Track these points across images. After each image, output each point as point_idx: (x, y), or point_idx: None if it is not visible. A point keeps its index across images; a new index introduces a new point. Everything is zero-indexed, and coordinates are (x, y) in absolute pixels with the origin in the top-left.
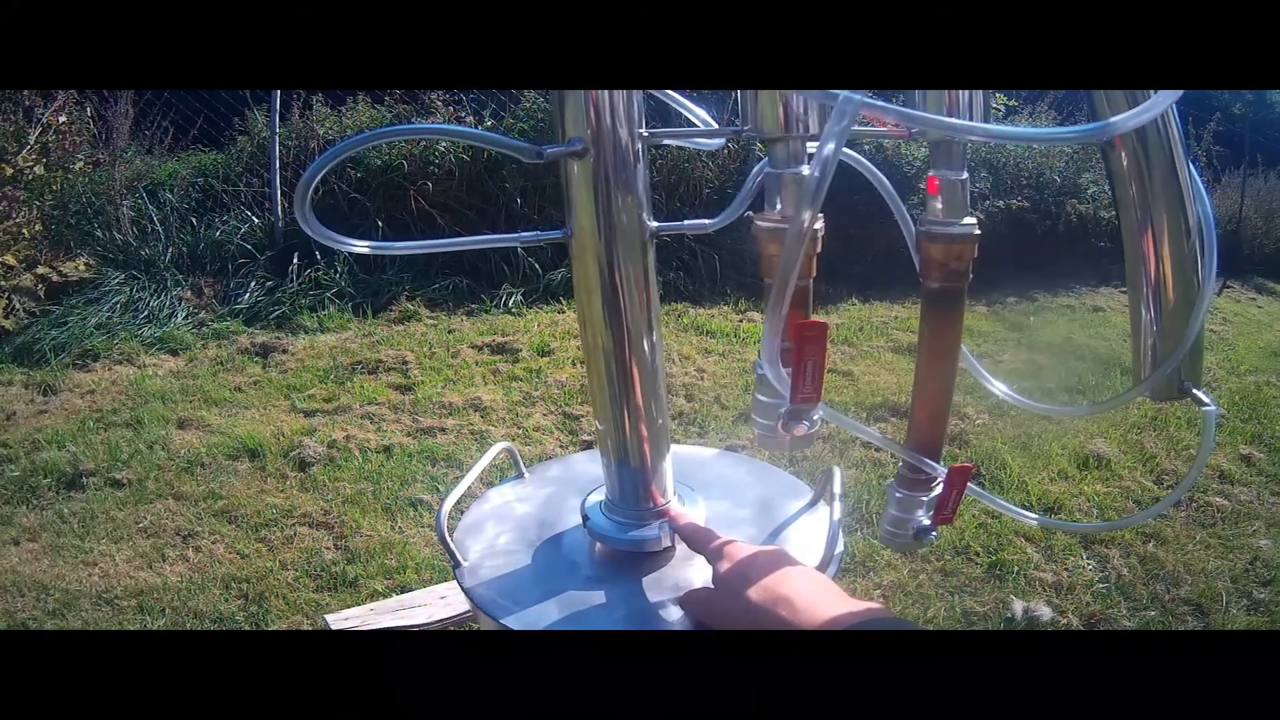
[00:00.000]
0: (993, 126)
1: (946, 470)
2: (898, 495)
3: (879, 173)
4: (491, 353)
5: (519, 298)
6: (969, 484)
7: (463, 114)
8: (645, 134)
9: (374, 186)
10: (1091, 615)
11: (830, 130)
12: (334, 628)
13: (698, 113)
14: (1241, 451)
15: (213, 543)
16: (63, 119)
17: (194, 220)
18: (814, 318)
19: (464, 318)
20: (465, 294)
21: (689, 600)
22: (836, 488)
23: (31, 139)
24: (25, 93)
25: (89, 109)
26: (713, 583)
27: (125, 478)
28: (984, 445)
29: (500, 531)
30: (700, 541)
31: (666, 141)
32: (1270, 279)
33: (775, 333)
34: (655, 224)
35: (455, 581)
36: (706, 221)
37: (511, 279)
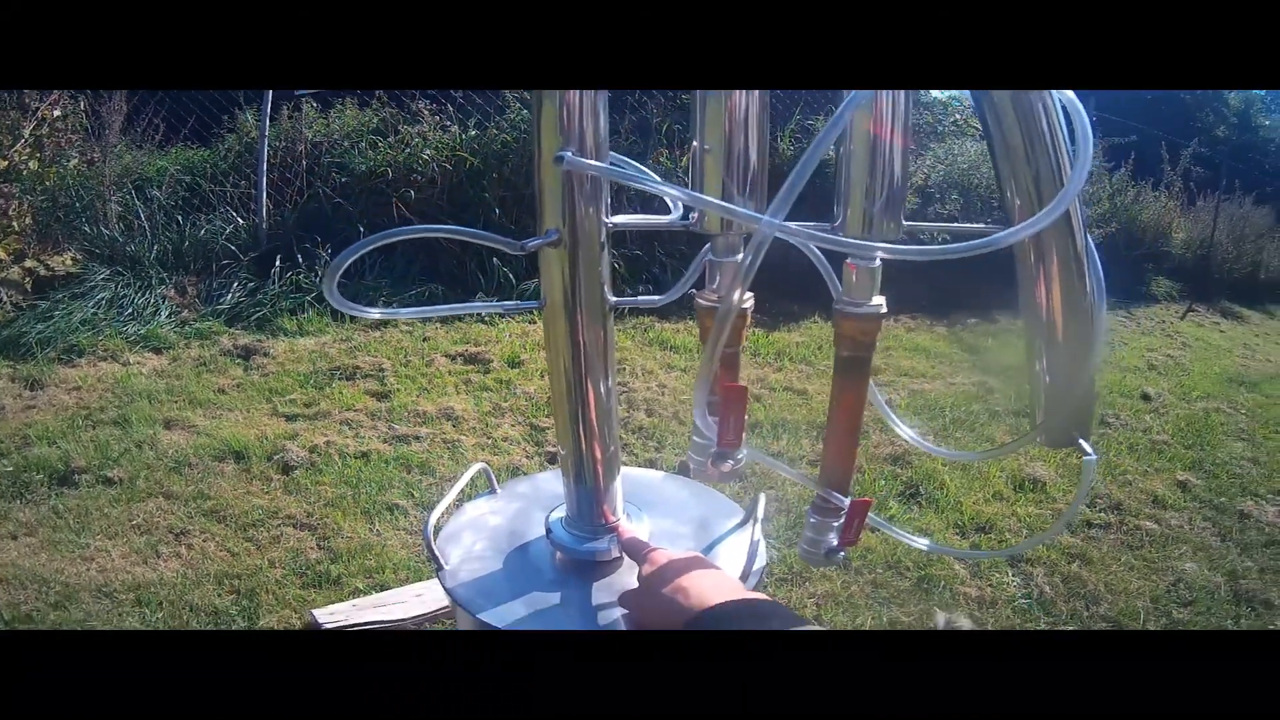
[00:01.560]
0: (893, 246)
1: (849, 501)
2: (812, 520)
3: (816, 252)
4: (464, 362)
5: (499, 315)
6: (868, 514)
7: (447, 122)
8: (611, 223)
9: (358, 192)
10: (1011, 629)
11: (752, 248)
12: (321, 622)
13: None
14: (1179, 477)
15: (204, 540)
16: (57, 113)
17: (180, 218)
18: (738, 381)
19: (439, 325)
20: (440, 301)
21: (622, 599)
22: (760, 511)
23: (26, 132)
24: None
25: (83, 103)
26: (637, 582)
27: (116, 476)
28: (925, 466)
29: (476, 540)
30: (635, 551)
31: (630, 225)
32: (1237, 303)
33: (704, 389)
34: (614, 298)
35: (433, 581)
36: (657, 298)
37: (486, 288)
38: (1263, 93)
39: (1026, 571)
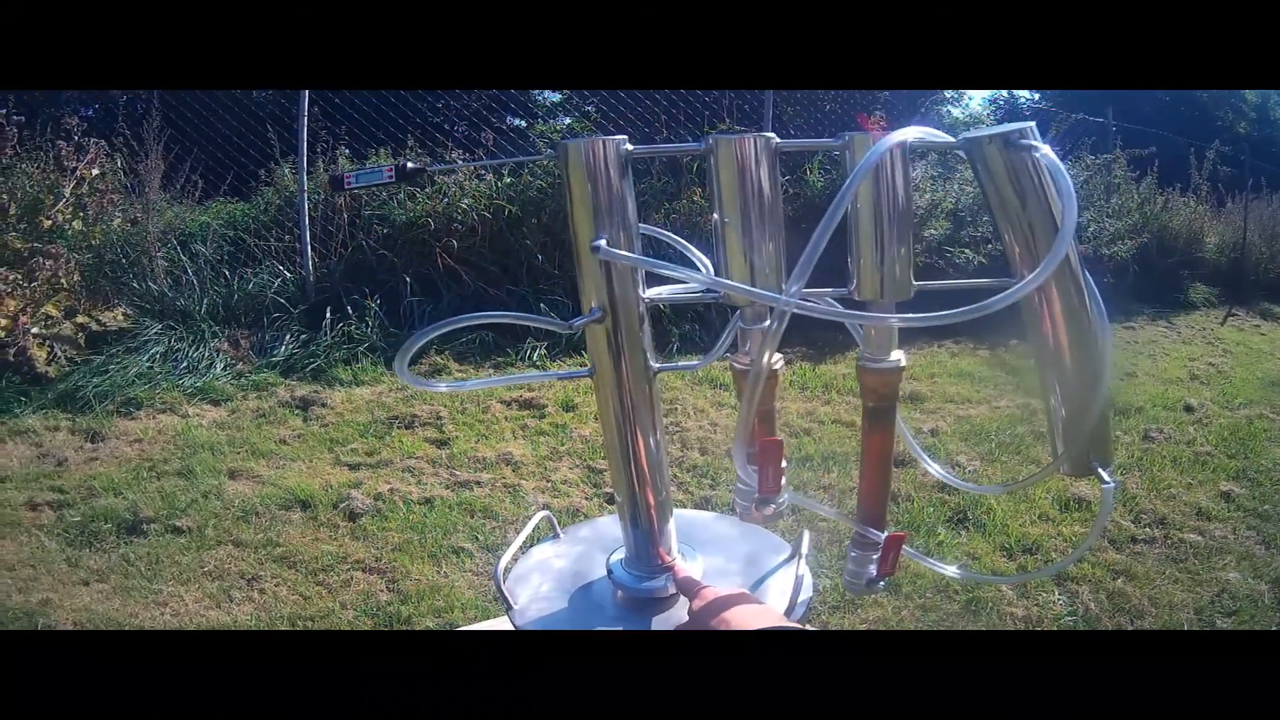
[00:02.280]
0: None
1: (885, 536)
2: (853, 554)
3: (842, 312)
4: (520, 408)
5: (543, 351)
6: (903, 547)
7: (484, 171)
8: (647, 298)
9: (400, 243)
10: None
11: (775, 319)
12: None
13: (700, 257)
14: (1222, 488)
15: (275, 585)
16: (95, 171)
17: (226, 272)
18: (774, 435)
19: (491, 371)
20: (492, 348)
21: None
22: (804, 548)
23: (66, 191)
24: (59, 144)
25: (120, 160)
26: (688, 616)
27: (185, 525)
28: (972, 492)
29: (543, 581)
30: (687, 588)
31: (664, 299)
32: (1276, 303)
33: (742, 445)
34: (657, 365)
35: (501, 619)
36: (695, 362)
37: (535, 333)
38: None
39: (1072, 590)
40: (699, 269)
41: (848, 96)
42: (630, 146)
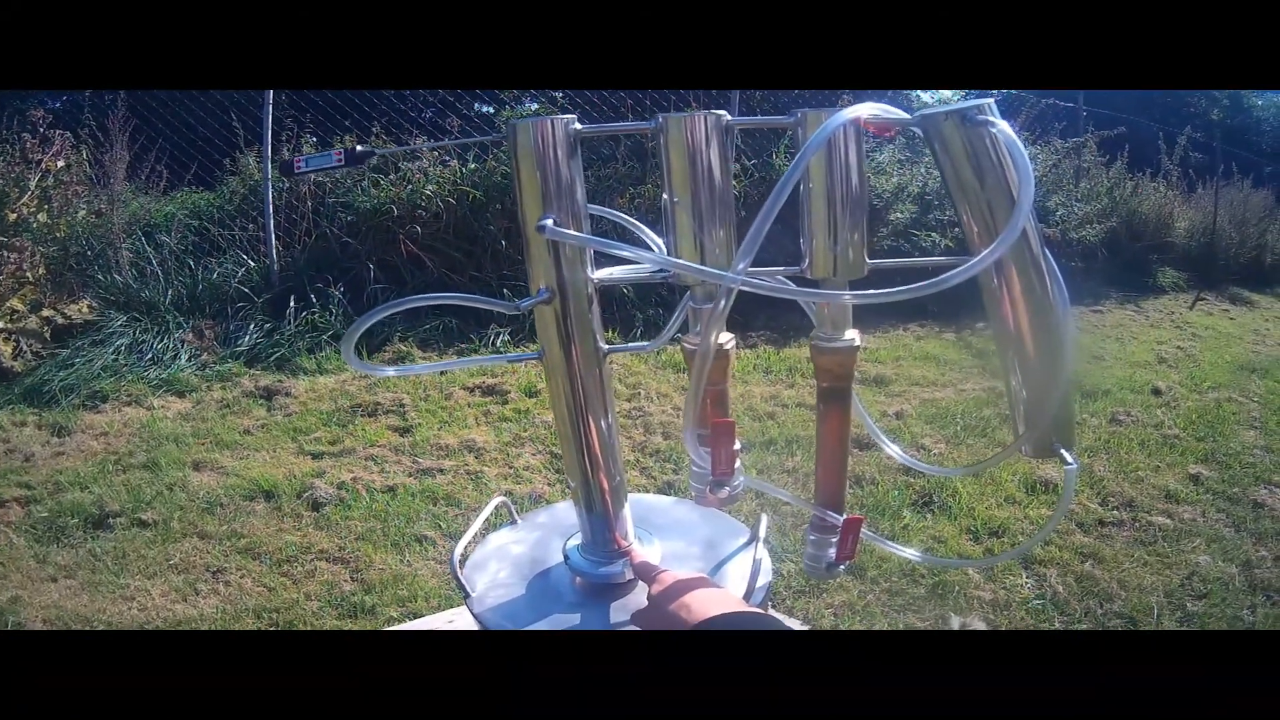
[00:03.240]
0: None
1: (843, 519)
2: (811, 538)
3: (793, 288)
4: (483, 394)
5: (506, 337)
6: (862, 530)
7: (448, 157)
8: (597, 280)
9: (365, 230)
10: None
11: (721, 297)
12: None
13: (653, 238)
14: (1190, 471)
15: (241, 577)
16: (60, 163)
17: (191, 263)
18: (727, 416)
19: (455, 358)
20: (455, 334)
21: (634, 618)
22: (762, 532)
23: (32, 184)
24: (24, 136)
25: (85, 152)
26: (647, 601)
27: (150, 518)
28: (931, 474)
29: (500, 568)
30: (644, 573)
31: (613, 280)
32: (1245, 288)
33: (690, 425)
34: (606, 346)
35: (463, 607)
36: (646, 344)
37: (499, 319)
38: None
39: (1040, 573)
40: (649, 249)
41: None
42: (579, 126)
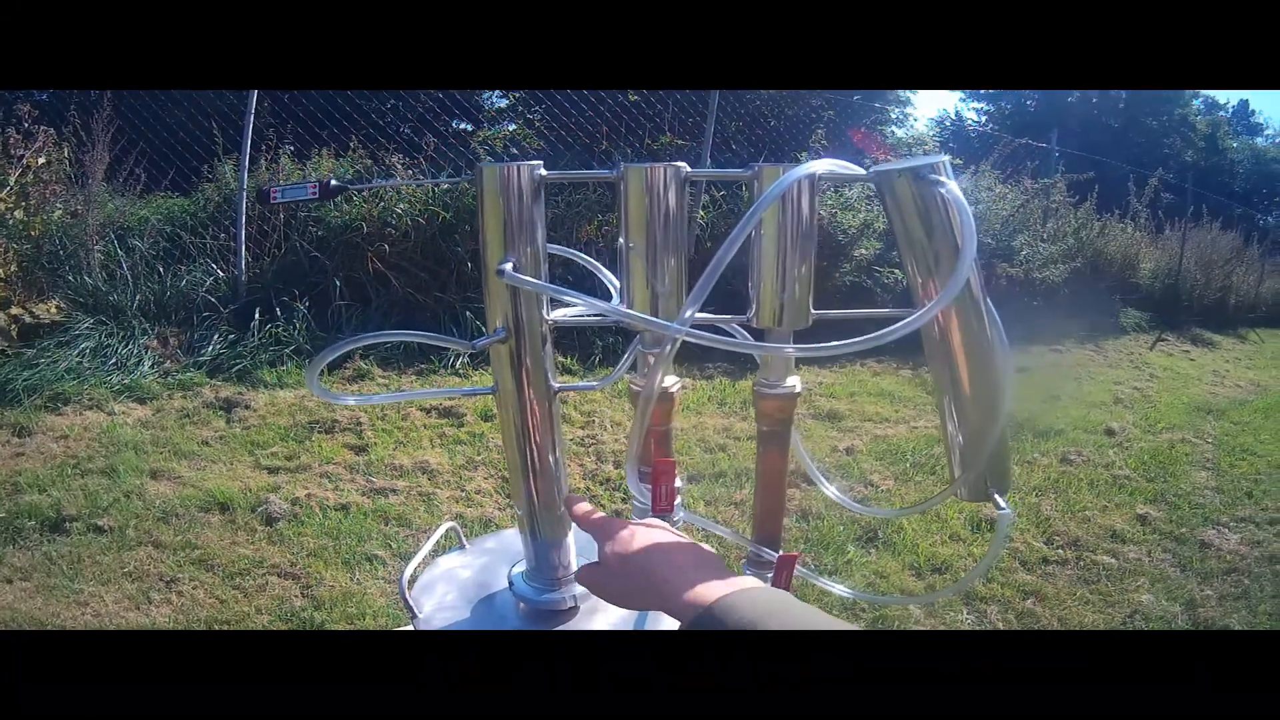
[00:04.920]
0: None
1: (778, 556)
2: (747, 572)
3: (736, 340)
4: (439, 416)
5: (465, 360)
6: (796, 566)
7: (420, 174)
8: (551, 321)
9: (334, 245)
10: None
11: (662, 355)
12: None
13: (610, 279)
14: (1139, 511)
15: (193, 588)
16: (42, 160)
17: (161, 269)
18: (670, 456)
19: (414, 378)
20: (415, 354)
21: (583, 576)
22: None
23: (11, 180)
24: (8, 131)
25: (67, 150)
26: (600, 559)
27: (107, 524)
28: (864, 515)
29: (448, 591)
30: (589, 524)
31: (567, 321)
32: (1207, 329)
33: (633, 463)
34: (557, 384)
35: (410, 628)
36: (595, 384)
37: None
38: (1229, 114)
39: (980, 610)
40: (608, 288)
41: (792, 115)
42: (544, 172)
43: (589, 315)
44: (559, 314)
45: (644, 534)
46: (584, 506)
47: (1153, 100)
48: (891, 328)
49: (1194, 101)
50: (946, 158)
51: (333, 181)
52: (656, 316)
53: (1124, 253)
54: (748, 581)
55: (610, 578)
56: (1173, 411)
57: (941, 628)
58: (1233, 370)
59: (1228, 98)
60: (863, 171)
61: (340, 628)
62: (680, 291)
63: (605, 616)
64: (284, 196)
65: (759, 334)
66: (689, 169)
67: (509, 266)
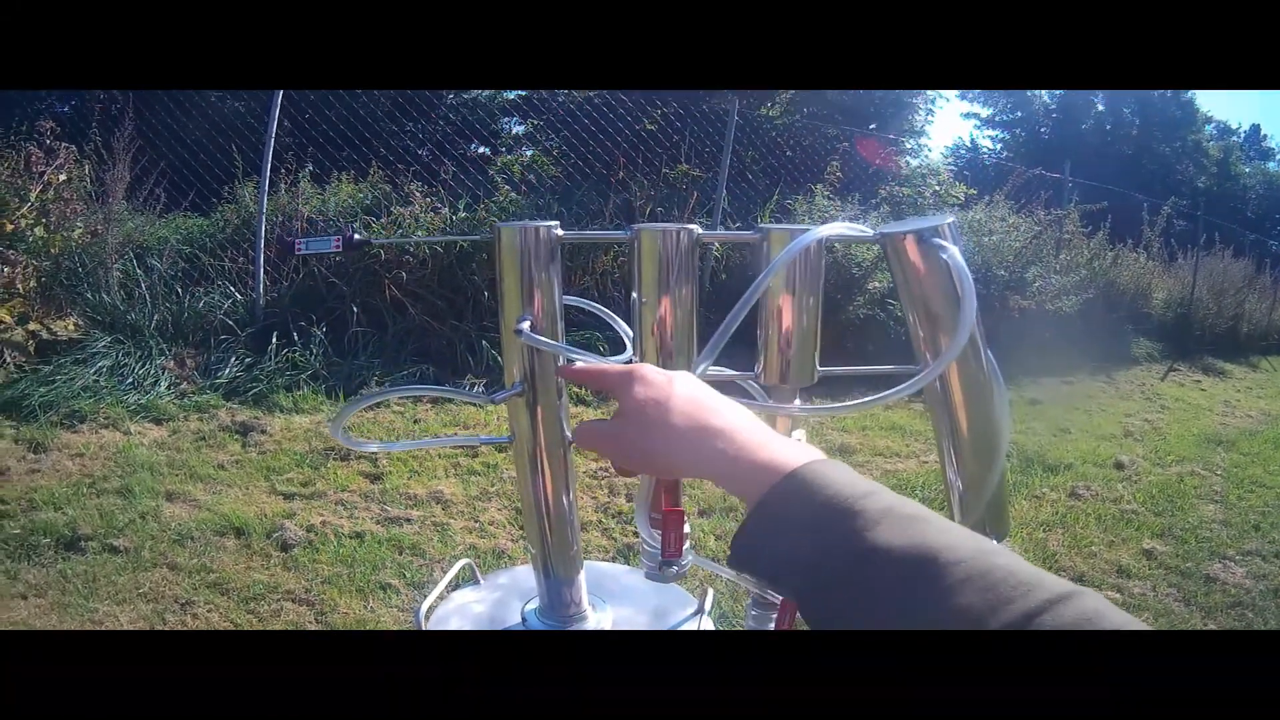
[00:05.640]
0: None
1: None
2: (752, 613)
3: (755, 390)
4: (453, 446)
5: (480, 388)
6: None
7: (438, 204)
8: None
9: (352, 271)
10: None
11: None
12: None
13: (624, 329)
14: (1145, 546)
15: (208, 611)
16: (62, 178)
17: (179, 289)
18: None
19: (429, 406)
20: (431, 382)
21: (587, 434)
22: (708, 604)
23: (32, 196)
24: (29, 149)
25: (87, 168)
26: (623, 413)
27: (122, 545)
28: None
29: (461, 625)
30: (597, 376)
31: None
32: (1219, 358)
33: (643, 511)
34: (572, 435)
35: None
36: None
37: (475, 370)
38: (1241, 139)
39: None
40: (624, 343)
41: (809, 145)
42: (560, 232)
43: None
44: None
45: (685, 378)
46: (584, 364)
47: (1165, 126)
48: (892, 390)
49: (1206, 127)
50: (951, 219)
51: (355, 235)
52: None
53: (1136, 282)
54: (818, 450)
55: (639, 429)
56: (1183, 443)
57: None
58: (1243, 400)
59: (1239, 122)
60: (870, 233)
61: None
62: (691, 348)
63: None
64: (308, 249)
65: (765, 390)
66: (700, 231)
67: (526, 326)
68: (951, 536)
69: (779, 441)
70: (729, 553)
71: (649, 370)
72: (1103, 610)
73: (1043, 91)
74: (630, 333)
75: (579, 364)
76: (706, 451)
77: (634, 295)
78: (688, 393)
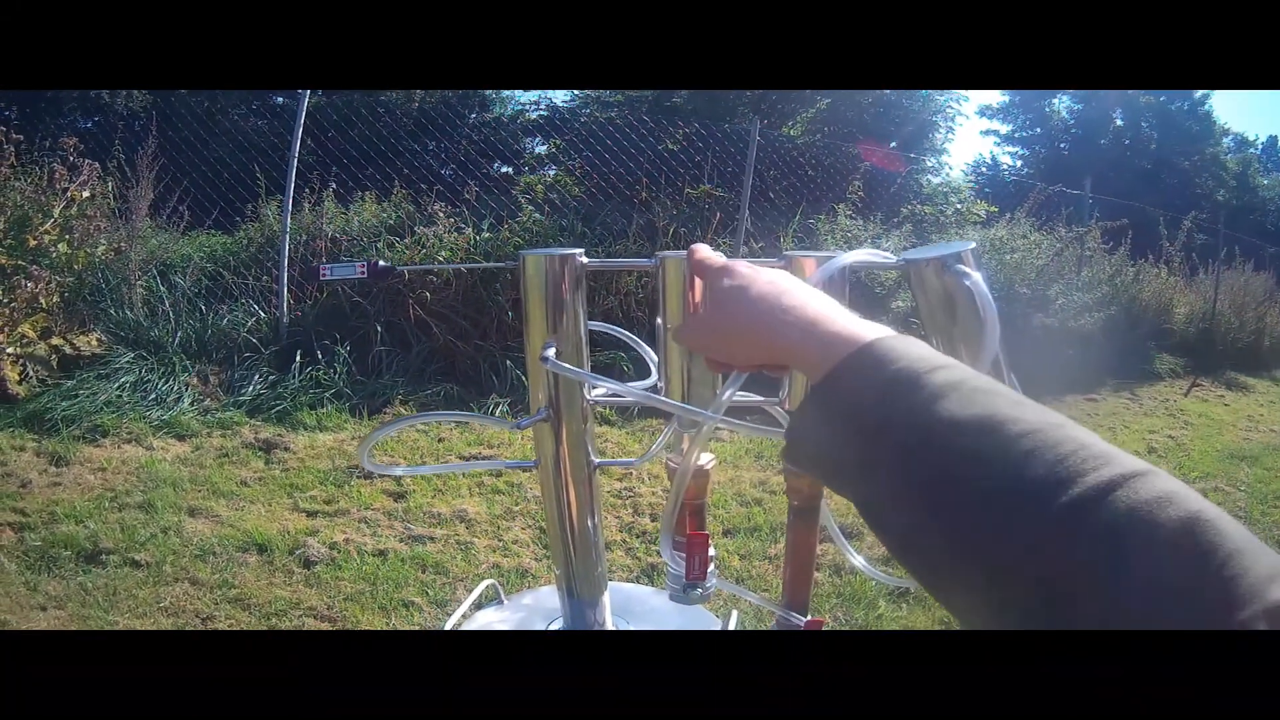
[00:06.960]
0: None
1: (806, 620)
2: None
3: (762, 429)
4: (478, 469)
5: (505, 408)
6: (822, 629)
7: (462, 224)
8: (591, 400)
9: (375, 291)
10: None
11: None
12: None
13: (650, 354)
14: None
15: (229, 626)
16: (86, 194)
17: (202, 307)
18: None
19: (453, 427)
20: (456, 401)
21: (682, 331)
22: (733, 624)
23: (56, 212)
24: (54, 165)
25: (111, 184)
26: (711, 301)
27: (143, 559)
28: (888, 583)
29: None
30: (698, 264)
31: (607, 400)
32: (1241, 372)
33: (668, 533)
34: (596, 459)
35: None
36: (634, 460)
37: (500, 389)
38: (1259, 151)
39: None
40: (647, 365)
41: (830, 164)
42: (585, 260)
43: (629, 395)
44: (599, 393)
45: (773, 271)
46: (700, 252)
47: (1183, 139)
48: None
49: (1224, 139)
50: (973, 245)
51: (380, 263)
52: (691, 398)
53: (1158, 298)
54: (878, 331)
55: (722, 315)
56: (1206, 459)
57: None
58: (1266, 414)
59: (1257, 134)
60: (893, 259)
61: None
62: (715, 374)
63: None
64: (332, 275)
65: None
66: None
67: (552, 353)
68: (1023, 409)
69: (855, 320)
70: (787, 427)
71: (740, 264)
72: (1178, 490)
73: (1061, 108)
74: (655, 357)
75: (703, 251)
76: (779, 327)
77: (658, 321)
78: (770, 278)
